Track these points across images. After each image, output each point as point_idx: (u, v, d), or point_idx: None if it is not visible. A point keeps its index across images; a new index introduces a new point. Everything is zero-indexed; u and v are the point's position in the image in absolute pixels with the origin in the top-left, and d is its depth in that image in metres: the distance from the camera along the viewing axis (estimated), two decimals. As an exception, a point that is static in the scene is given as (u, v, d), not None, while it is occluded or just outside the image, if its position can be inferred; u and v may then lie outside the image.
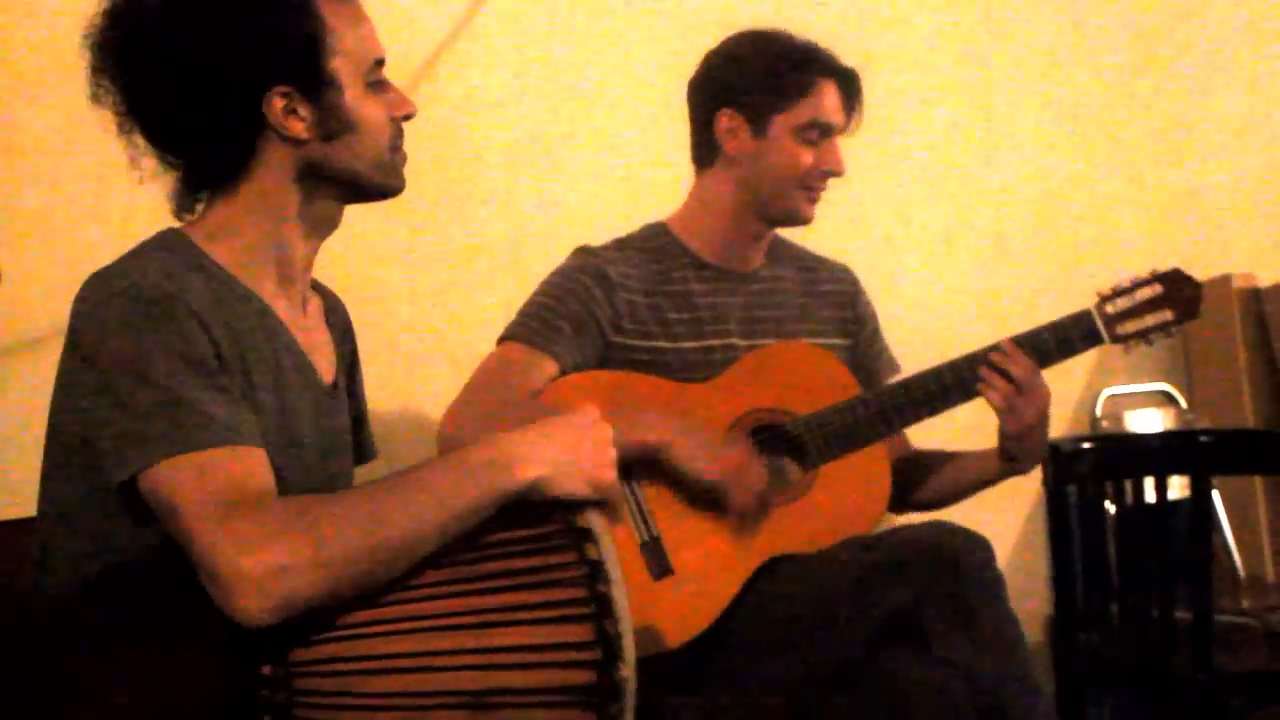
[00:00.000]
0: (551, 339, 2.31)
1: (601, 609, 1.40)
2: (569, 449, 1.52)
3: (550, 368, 2.30)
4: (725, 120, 2.41)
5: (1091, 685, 2.77)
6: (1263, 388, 3.50)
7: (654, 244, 2.44)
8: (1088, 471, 2.75)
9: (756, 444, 2.29)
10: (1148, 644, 2.58)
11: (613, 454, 1.56)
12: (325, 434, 1.73)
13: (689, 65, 2.49)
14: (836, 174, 2.42)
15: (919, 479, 2.50)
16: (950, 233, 3.51)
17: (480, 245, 2.98)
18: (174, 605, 1.47)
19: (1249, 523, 3.42)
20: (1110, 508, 2.69)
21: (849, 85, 2.42)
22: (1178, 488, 2.87)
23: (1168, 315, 2.35)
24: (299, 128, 1.64)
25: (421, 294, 2.93)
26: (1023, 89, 3.59)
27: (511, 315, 2.38)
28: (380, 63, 1.70)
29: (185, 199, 1.70)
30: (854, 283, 2.58)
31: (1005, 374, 2.29)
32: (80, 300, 1.57)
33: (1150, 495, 2.61)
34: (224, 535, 1.40)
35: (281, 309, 1.69)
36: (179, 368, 1.50)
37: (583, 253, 2.41)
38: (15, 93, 2.58)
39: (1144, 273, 2.36)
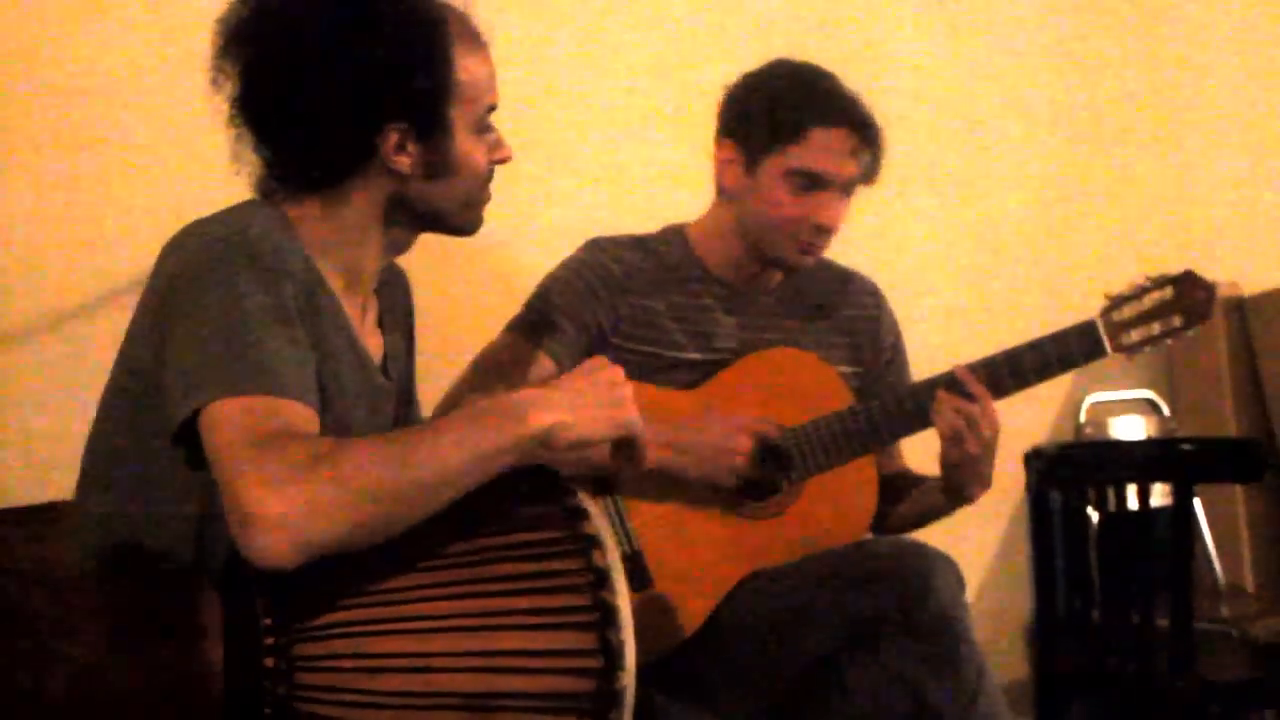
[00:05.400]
0: (551, 336, 2.27)
1: (605, 617, 1.41)
2: (583, 393, 1.52)
3: (546, 365, 2.26)
4: (722, 151, 2.32)
5: (1071, 691, 2.80)
6: (1245, 397, 3.52)
7: (667, 250, 2.37)
8: (1071, 477, 2.77)
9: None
10: (1128, 651, 2.60)
11: (628, 391, 1.55)
12: (376, 426, 1.72)
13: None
14: (825, 229, 2.27)
15: (888, 502, 2.39)
16: (939, 239, 3.51)
17: (479, 242, 2.97)
18: (181, 593, 1.48)
19: (1229, 531, 3.45)
20: (1093, 514, 2.71)
21: (859, 136, 2.25)
22: (1160, 495, 2.90)
23: (1175, 321, 2.24)
24: (405, 163, 1.64)
25: (419, 290, 2.92)
26: (1011, 96, 3.60)
27: (510, 313, 2.35)
28: (493, 108, 1.70)
29: (270, 188, 1.68)
30: (877, 308, 2.45)
31: (965, 397, 2.17)
32: (177, 245, 1.57)
33: (1133, 502, 2.63)
34: (252, 472, 1.39)
35: (347, 307, 1.69)
36: (263, 315, 1.50)
37: (593, 247, 2.35)
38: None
39: (1151, 276, 2.25)
